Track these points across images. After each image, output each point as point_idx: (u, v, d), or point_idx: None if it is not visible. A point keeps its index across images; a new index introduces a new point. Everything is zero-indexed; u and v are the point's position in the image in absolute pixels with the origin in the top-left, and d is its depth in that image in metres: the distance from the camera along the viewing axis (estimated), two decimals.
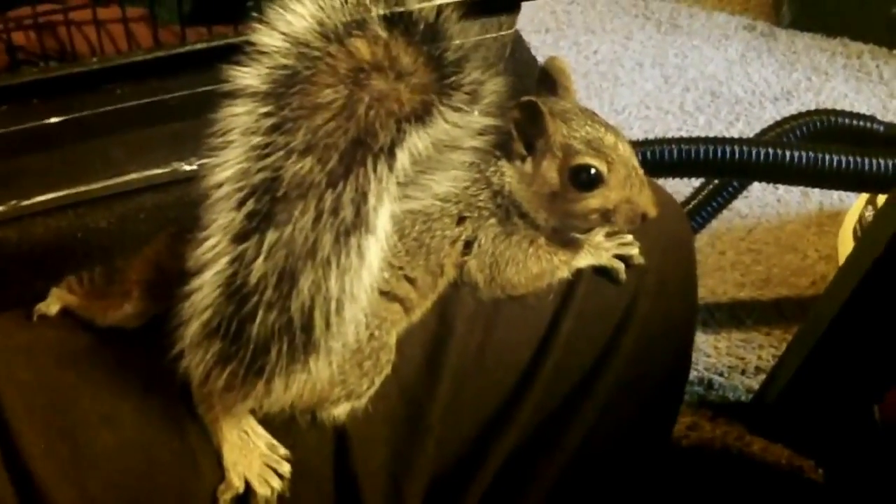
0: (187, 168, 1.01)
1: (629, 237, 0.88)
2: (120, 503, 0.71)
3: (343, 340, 0.67)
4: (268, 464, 0.75)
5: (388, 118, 0.66)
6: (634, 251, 0.87)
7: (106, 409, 0.73)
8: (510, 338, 0.84)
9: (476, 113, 0.70)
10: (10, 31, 0.91)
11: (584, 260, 0.86)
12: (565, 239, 0.84)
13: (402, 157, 0.67)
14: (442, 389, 0.80)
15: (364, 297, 0.67)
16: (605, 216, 0.79)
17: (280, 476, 0.75)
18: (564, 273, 0.85)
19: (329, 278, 0.64)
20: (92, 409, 0.72)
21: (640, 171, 0.79)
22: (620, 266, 0.87)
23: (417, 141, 0.67)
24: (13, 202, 0.96)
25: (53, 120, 0.92)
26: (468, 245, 0.80)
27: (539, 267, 0.82)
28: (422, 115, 0.67)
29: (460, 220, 0.80)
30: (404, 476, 0.80)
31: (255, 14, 0.99)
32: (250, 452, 0.75)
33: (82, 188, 0.98)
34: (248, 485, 0.75)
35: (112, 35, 0.94)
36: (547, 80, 0.83)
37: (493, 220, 0.80)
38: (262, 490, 0.74)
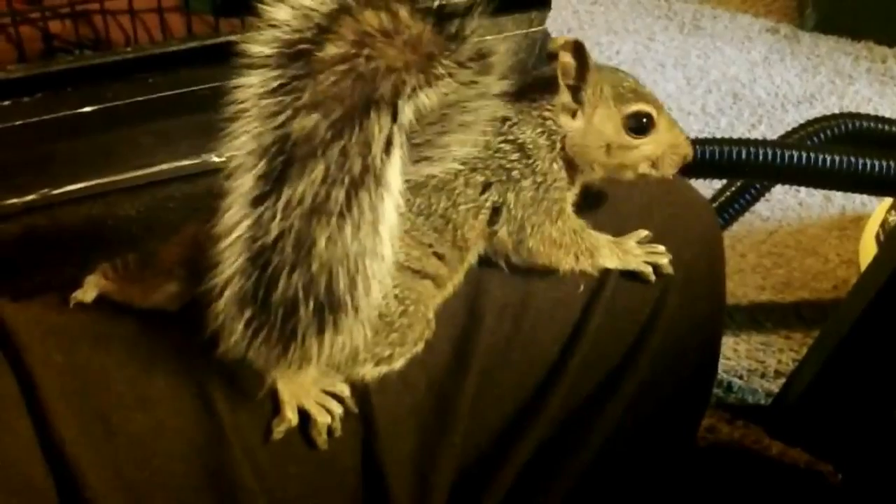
0: (216, 159, 1.02)
1: (661, 247, 0.87)
2: (154, 484, 0.72)
3: (370, 299, 0.67)
4: (324, 390, 0.76)
5: (389, 71, 0.67)
6: (664, 260, 0.87)
7: (140, 391, 0.73)
8: (538, 332, 0.84)
9: (488, 75, 0.72)
10: (46, 20, 0.92)
11: (610, 261, 0.86)
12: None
13: (407, 111, 0.67)
14: (469, 382, 0.81)
15: (387, 254, 0.67)
16: (655, 164, 0.82)
17: (339, 400, 0.76)
18: (586, 265, 0.84)
19: (344, 234, 0.65)
20: (126, 392, 0.73)
21: (671, 116, 0.83)
22: (649, 270, 0.87)
23: (423, 96, 0.68)
24: (44, 190, 0.97)
25: (87, 109, 0.92)
26: (496, 211, 0.80)
27: (561, 238, 0.82)
28: (425, 69, 0.68)
29: (486, 186, 0.80)
30: (431, 468, 0.80)
31: None
32: (305, 383, 0.75)
33: (113, 177, 0.98)
34: (303, 417, 0.75)
35: (146, 24, 0.95)
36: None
37: (525, 183, 0.80)
38: (321, 418, 0.75)
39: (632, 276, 0.87)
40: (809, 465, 1.46)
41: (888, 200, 1.79)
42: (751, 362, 1.65)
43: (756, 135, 2.06)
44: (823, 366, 1.37)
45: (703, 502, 1.37)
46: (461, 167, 0.77)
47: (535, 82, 0.81)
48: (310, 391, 0.76)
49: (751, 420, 1.54)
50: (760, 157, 1.49)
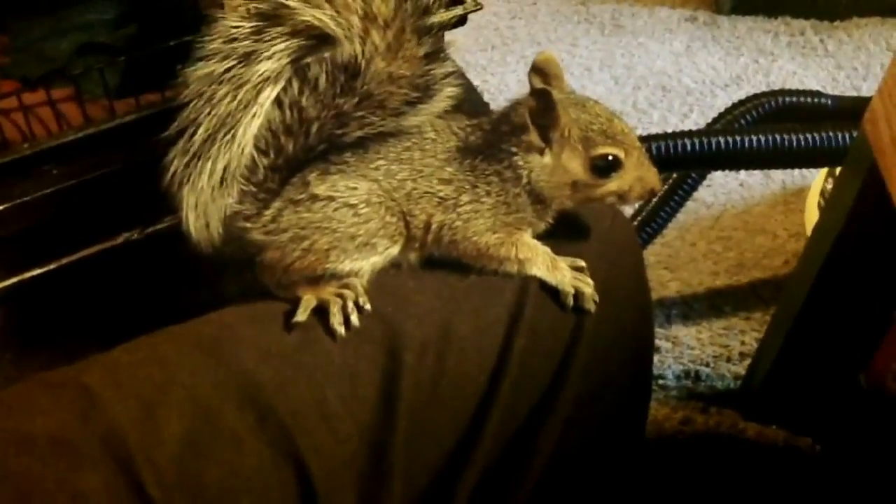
0: (136, 237, 1.02)
1: (590, 280, 0.89)
2: None
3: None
4: (339, 290, 0.84)
5: None
6: (588, 290, 0.89)
7: (71, 487, 0.73)
8: (463, 365, 0.85)
9: None
10: None
11: (538, 271, 0.88)
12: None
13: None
14: (400, 426, 0.81)
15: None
16: (621, 197, 0.87)
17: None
18: (513, 269, 0.88)
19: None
20: (57, 490, 0.73)
21: (644, 150, 0.86)
22: (570, 292, 0.88)
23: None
24: None
25: None
26: (443, 201, 0.86)
27: (495, 249, 0.87)
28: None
29: (447, 182, 0.86)
30: None
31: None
32: (325, 290, 0.85)
33: (30, 273, 0.98)
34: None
35: (41, 118, 0.95)
36: (539, 74, 0.88)
37: (484, 200, 0.86)
38: (336, 305, 0.83)
39: (549, 292, 0.89)
40: (787, 441, 1.47)
41: (825, 169, 1.81)
42: (715, 348, 1.66)
43: (689, 123, 2.08)
44: (784, 340, 1.38)
45: (688, 496, 1.37)
46: (438, 158, 0.86)
47: (509, 118, 0.86)
48: (326, 289, 0.84)
49: (724, 406, 1.55)
50: (688, 149, 1.51)
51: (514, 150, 0.85)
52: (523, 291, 0.87)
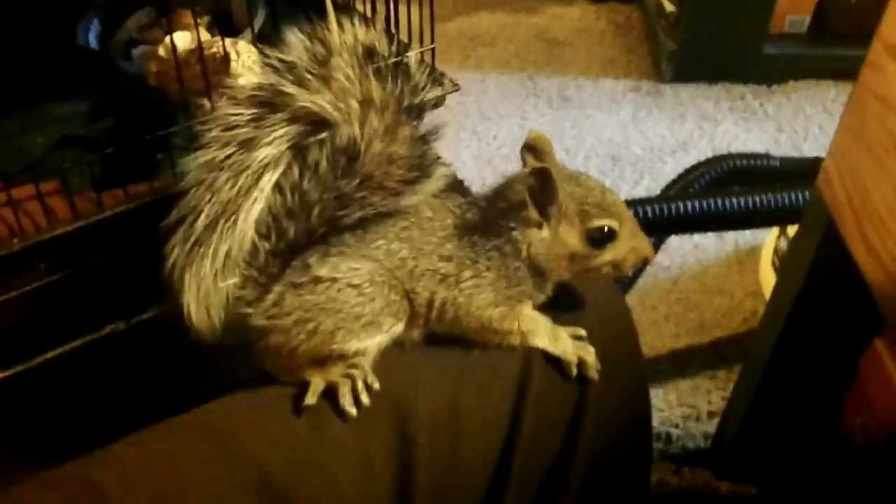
0: (123, 327, 1.02)
1: (591, 348, 0.91)
2: None
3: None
4: (347, 371, 0.85)
5: None
6: (591, 359, 0.90)
7: None
8: (475, 442, 0.85)
9: None
10: None
11: (541, 342, 0.90)
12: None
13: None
14: None
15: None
16: (616, 266, 0.89)
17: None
18: (516, 342, 0.89)
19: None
20: None
21: (635, 221, 0.89)
22: (574, 361, 0.90)
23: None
24: None
25: None
26: (445, 278, 0.87)
27: (499, 322, 0.88)
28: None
29: (447, 259, 0.87)
30: None
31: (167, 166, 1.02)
32: (332, 371, 0.85)
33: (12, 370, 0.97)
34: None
35: (29, 213, 0.94)
36: (531, 151, 0.92)
37: (486, 274, 0.87)
38: (345, 386, 0.83)
39: (552, 362, 0.90)
40: (762, 499, 1.49)
41: (777, 228, 1.87)
42: (684, 409, 1.69)
43: (641, 189, 2.14)
44: (752, 398, 1.40)
45: None
46: (437, 236, 0.87)
47: (505, 194, 0.89)
48: (333, 370, 0.85)
49: (696, 465, 1.56)
50: (649, 214, 1.56)
51: (512, 225, 0.87)
52: (527, 364, 0.88)
